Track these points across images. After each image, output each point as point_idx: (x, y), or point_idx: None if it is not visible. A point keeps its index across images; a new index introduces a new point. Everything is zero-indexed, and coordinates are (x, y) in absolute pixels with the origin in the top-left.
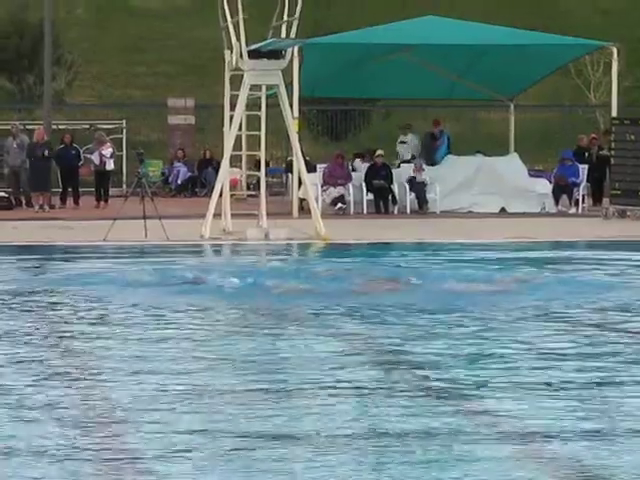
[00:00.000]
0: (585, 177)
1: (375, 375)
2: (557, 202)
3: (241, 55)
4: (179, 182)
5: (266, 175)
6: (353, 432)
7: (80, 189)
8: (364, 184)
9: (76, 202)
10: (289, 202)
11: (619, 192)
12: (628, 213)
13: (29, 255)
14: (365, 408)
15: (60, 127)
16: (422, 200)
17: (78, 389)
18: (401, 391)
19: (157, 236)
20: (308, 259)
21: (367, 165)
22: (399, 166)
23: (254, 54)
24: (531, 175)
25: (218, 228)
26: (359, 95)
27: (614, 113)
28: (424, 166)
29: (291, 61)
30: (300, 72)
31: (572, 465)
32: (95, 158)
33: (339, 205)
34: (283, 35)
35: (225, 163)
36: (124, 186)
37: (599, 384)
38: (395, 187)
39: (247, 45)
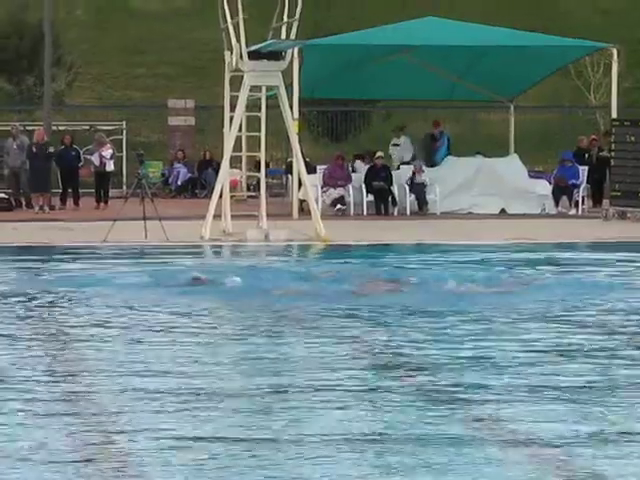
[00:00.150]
0: (585, 178)
1: (375, 376)
2: (557, 203)
3: (241, 56)
4: (179, 183)
5: (266, 176)
6: (352, 435)
7: (80, 190)
8: (364, 185)
9: (76, 203)
10: (289, 203)
11: (619, 193)
12: (628, 214)
13: (29, 256)
14: (365, 411)
15: (60, 128)
16: (422, 201)
17: (77, 390)
18: (400, 394)
19: (157, 237)
20: (308, 260)
21: (367, 166)
22: (399, 167)
23: (254, 55)
24: (531, 176)
25: (218, 229)
26: (359, 96)
27: (614, 114)
28: (424, 167)
29: (291, 62)
30: (300, 73)
31: (573, 468)
32: (95, 159)
33: (339, 206)
34: (283, 36)
35: (225, 164)
36: (124, 187)
37: (599, 386)
38: (395, 188)
39: (247, 46)
